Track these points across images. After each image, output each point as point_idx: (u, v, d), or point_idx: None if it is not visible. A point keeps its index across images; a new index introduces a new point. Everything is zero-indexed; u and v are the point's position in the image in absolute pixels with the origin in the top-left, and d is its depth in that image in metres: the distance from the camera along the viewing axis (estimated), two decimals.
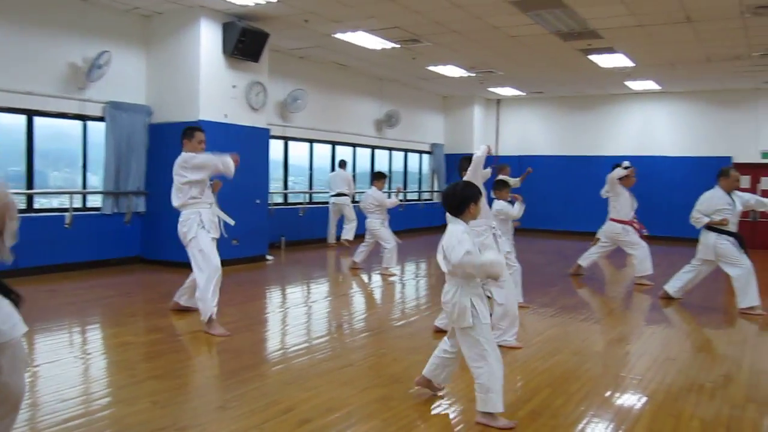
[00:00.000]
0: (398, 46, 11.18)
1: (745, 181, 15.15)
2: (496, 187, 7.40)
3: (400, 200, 10.48)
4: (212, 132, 9.56)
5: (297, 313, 7.02)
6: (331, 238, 13.17)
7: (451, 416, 3.87)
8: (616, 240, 9.33)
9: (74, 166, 9.38)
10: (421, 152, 17.56)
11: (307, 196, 13.47)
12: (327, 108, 13.73)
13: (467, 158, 5.54)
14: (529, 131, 17.89)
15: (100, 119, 9.23)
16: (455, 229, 3.76)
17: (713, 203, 7.26)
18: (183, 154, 5.92)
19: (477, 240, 4.04)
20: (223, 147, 9.51)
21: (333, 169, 13.76)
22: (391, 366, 4.89)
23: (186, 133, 6.03)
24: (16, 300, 2.29)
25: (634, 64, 12.33)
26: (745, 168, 15.11)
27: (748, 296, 7.12)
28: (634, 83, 14.70)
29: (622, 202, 9.20)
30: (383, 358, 5.13)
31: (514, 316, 5.43)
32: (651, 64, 12.37)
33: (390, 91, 15.70)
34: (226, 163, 5.92)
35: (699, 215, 7.29)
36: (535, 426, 3.69)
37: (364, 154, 15.27)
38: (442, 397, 4.14)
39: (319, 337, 5.86)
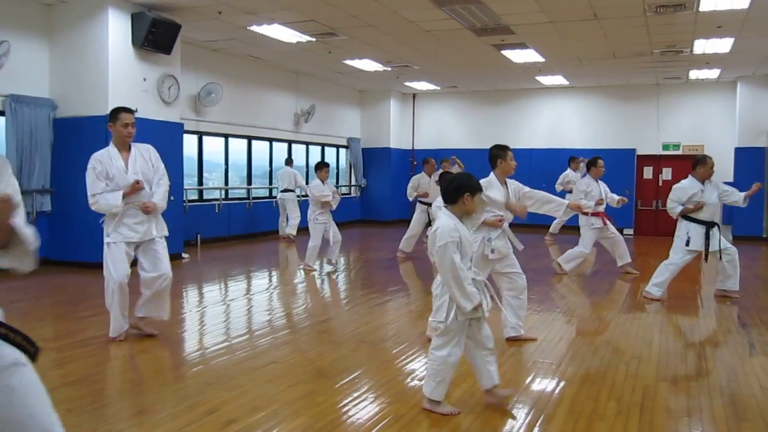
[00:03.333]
0: (314, 39, 11.09)
1: (648, 171, 15.96)
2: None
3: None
4: None
5: (215, 311, 6.85)
6: (282, 231, 13.65)
7: (379, 409, 3.87)
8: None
9: None
10: (338, 146, 17.51)
11: (223, 192, 13.20)
12: (242, 102, 13.48)
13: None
14: (445, 125, 18.15)
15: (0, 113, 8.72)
16: (443, 223, 3.67)
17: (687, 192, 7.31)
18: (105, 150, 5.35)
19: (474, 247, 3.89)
20: (135, 141, 9.22)
21: (249, 164, 13.70)
22: (316, 362, 4.85)
23: (110, 115, 5.38)
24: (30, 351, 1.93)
25: (544, 60, 12.71)
26: (647, 159, 15.91)
27: (657, 285, 7.42)
28: (544, 78, 15.15)
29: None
30: (307, 354, 5.07)
31: None
32: (560, 59, 12.78)
33: (306, 85, 15.56)
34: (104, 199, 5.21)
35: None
36: (462, 414, 3.75)
37: (280, 148, 15.08)
38: (368, 391, 4.13)
39: (239, 336, 5.74)
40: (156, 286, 5.39)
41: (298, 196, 13.50)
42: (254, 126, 13.82)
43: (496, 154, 5.45)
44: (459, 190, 3.74)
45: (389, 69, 14.07)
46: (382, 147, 17.97)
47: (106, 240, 5.33)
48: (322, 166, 9.51)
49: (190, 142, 11.94)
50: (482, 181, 5.27)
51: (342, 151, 17.81)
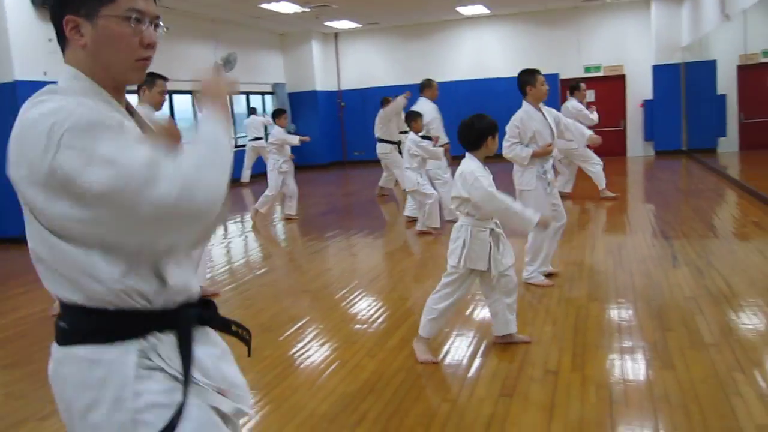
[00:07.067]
0: None
1: None
2: (410, 118, 7.34)
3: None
4: (32, 92, 8.76)
5: None
6: (245, 179, 14.29)
7: (324, 357, 3.93)
8: None
9: None
10: (263, 93, 17.13)
11: None
12: (158, 54, 12.57)
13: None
14: (369, 63, 17.92)
15: None
16: (469, 166, 3.58)
17: None
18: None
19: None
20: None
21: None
22: (258, 316, 4.86)
23: (146, 80, 4.98)
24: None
25: None
26: (570, 83, 16.14)
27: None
28: (464, 9, 15.06)
29: None
30: (249, 309, 5.08)
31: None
32: None
33: (224, 32, 15.03)
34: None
35: None
36: (407, 352, 3.85)
37: None
38: (313, 340, 4.19)
39: None
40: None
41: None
42: (173, 79, 13.30)
43: (526, 80, 4.90)
44: (482, 134, 3.62)
45: (308, 10, 13.71)
46: (308, 90, 17.67)
47: None
48: (281, 113, 9.40)
49: None
50: (518, 113, 4.92)
51: (267, 97, 17.44)
